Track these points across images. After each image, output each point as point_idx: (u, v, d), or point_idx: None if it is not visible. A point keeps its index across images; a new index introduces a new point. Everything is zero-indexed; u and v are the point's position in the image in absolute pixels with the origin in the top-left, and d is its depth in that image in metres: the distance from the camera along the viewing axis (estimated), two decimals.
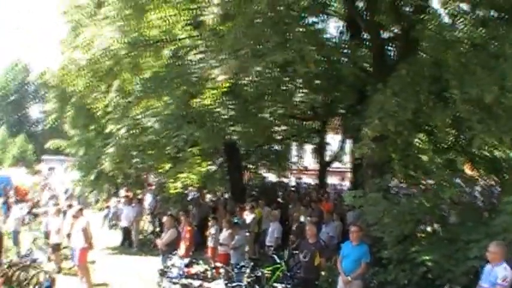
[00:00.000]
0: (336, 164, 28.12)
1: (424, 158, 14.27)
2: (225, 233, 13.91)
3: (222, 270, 11.89)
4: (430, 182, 12.77)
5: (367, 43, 14.84)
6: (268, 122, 17.83)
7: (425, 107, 11.93)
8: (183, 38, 15.38)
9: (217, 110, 15.89)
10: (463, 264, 9.97)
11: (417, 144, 14.90)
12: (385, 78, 11.79)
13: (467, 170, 15.55)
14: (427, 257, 10.59)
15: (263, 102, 16.88)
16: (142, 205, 23.04)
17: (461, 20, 12.17)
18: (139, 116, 15.38)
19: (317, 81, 16.21)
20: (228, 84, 14.57)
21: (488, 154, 14.84)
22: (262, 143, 23.73)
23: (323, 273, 11.81)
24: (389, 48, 14.70)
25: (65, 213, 18.08)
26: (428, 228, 12.69)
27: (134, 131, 15.48)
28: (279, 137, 23.60)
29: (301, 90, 17.17)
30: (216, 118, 15.73)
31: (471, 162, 15.28)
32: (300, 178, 34.95)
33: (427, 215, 11.75)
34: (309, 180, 33.45)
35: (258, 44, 11.40)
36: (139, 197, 23.75)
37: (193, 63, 14.37)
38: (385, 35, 14.77)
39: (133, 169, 18.20)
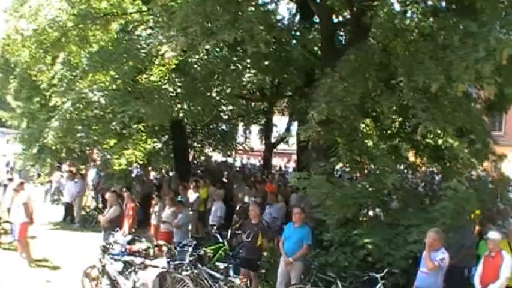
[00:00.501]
0: (282, 146, 28.27)
1: (369, 143, 14.46)
2: (168, 211, 13.80)
3: (164, 248, 11.80)
4: (374, 167, 12.98)
5: (318, 27, 14.87)
6: (216, 101, 17.75)
7: (372, 93, 12.07)
8: (132, 13, 15.10)
9: (165, 87, 15.71)
10: (403, 248, 10.23)
11: (363, 129, 15.08)
12: (334, 62, 11.84)
13: (411, 157, 15.86)
14: (368, 240, 10.80)
15: (211, 81, 16.77)
16: (86, 181, 22.64)
17: (412, 8, 12.32)
18: (85, 90, 15.05)
19: (266, 62, 16.19)
20: (176, 62, 14.39)
21: (431, 142, 15.16)
22: (209, 122, 23.64)
23: (265, 253, 11.90)
24: (339, 33, 14.78)
25: (5, 186, 17.61)
26: (370, 213, 12.93)
27: (79, 105, 15.16)
28: (226, 117, 23.54)
29: (249, 71, 17.11)
30: (163, 95, 15.53)
31: (415, 150, 15.58)
32: (245, 159, 35.02)
33: (369, 199, 11.96)
34: (254, 161, 33.56)
35: (208, 21, 11.27)
36: (83, 172, 23.31)
37: (142, 38, 14.13)
38: (336, 19, 14.84)
39: (78, 144, 17.81)
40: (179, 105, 16.20)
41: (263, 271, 12.10)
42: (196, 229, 16.55)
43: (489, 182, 13.43)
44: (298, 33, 14.92)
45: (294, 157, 25.59)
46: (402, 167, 14.33)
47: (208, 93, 16.91)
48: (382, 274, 9.92)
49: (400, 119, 14.55)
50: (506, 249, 9.41)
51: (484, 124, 15.76)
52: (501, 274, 8.81)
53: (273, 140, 26.51)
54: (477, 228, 12.16)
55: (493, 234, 9.27)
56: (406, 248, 10.16)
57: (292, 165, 29.38)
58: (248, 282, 10.50)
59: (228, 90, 17.40)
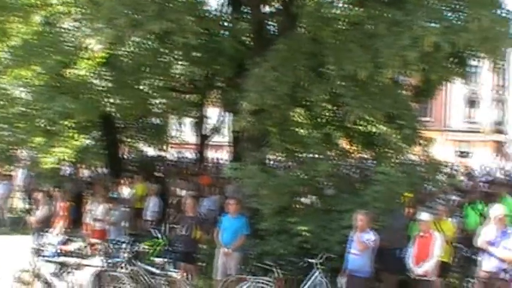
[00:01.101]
0: (216, 138, 28.18)
1: (302, 132, 14.60)
2: (101, 208, 13.52)
3: (99, 247, 11.57)
4: (307, 155, 13.12)
5: (248, 17, 14.84)
6: (146, 94, 17.43)
7: (303, 82, 12.16)
8: (56, 4, 14.60)
9: (93, 81, 15.30)
10: (338, 233, 10.41)
11: (295, 118, 15.18)
12: (265, 52, 11.87)
13: (344, 144, 16.11)
14: (304, 228, 10.94)
15: (141, 74, 16.44)
16: (13, 182, 21.88)
17: None
18: (8, 86, 14.52)
19: (196, 54, 16.04)
20: (104, 55, 14.05)
21: (363, 129, 15.44)
22: (140, 116, 23.21)
23: (203, 246, 11.85)
24: (269, 22, 14.79)
25: None
26: (305, 200, 13.06)
27: (2, 102, 14.61)
28: (157, 110, 23.17)
29: (180, 63, 16.92)
30: (91, 90, 15.13)
31: (347, 137, 15.83)
32: (179, 152, 34.73)
33: (303, 187, 12.09)
34: (188, 154, 33.34)
35: (135, 13, 11.06)
36: (10, 173, 22.49)
37: (67, 31, 13.70)
38: (266, 9, 14.85)
39: (2, 143, 17.16)
40: (108, 100, 15.83)
41: (202, 264, 12.04)
42: (135, 226, 16.29)
43: (419, 166, 13.81)
44: (228, 24, 14.84)
45: (228, 149, 25.55)
46: (335, 154, 14.51)
47: (138, 87, 16.58)
48: (318, 259, 10.08)
49: (331, 107, 14.72)
50: (436, 228, 9.81)
51: (412, 110, 16.21)
52: (433, 252, 9.28)
53: (206, 133, 26.37)
54: (408, 210, 12.50)
55: (424, 216, 9.66)
56: (340, 233, 10.36)
57: (226, 156, 29.34)
58: (187, 275, 10.48)
59: (159, 83, 17.14)
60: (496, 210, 9.28)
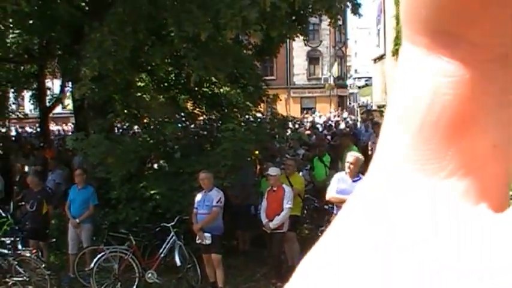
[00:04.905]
0: (58, 110, 27.10)
1: (147, 97, 14.45)
2: None
3: None
4: (153, 119, 13.05)
5: None
6: None
7: (144, 46, 11.99)
8: None
9: None
10: (190, 194, 10.48)
11: (139, 83, 14.98)
12: (102, 16, 11.51)
13: (190, 107, 16.18)
14: (155, 191, 10.92)
15: None
16: None
17: None
18: None
19: (31, 21, 15.20)
20: None
21: (208, 91, 15.57)
22: None
23: (52, 221, 11.51)
24: None
25: None
26: (155, 165, 13.03)
27: None
28: None
29: (13, 31, 15.93)
30: None
31: (193, 99, 15.90)
32: (21, 127, 33.06)
33: (151, 151, 12.03)
34: (30, 128, 31.85)
35: None
36: None
37: None
38: None
39: None
40: None
41: (53, 240, 11.71)
42: None
43: (266, 123, 14.21)
44: None
45: (72, 120, 24.69)
46: (181, 117, 14.55)
47: None
48: (173, 223, 10.12)
49: (174, 70, 14.69)
50: (285, 182, 10.08)
51: (255, 69, 16.58)
52: (284, 205, 9.48)
53: (48, 104, 25.21)
54: (258, 167, 12.89)
55: (273, 170, 9.92)
56: (192, 195, 10.44)
57: (70, 128, 28.35)
58: (39, 252, 10.15)
59: None
60: (350, 157, 8.86)
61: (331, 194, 8.61)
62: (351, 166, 8.44)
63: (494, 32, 0.29)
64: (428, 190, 0.31)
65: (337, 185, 8.57)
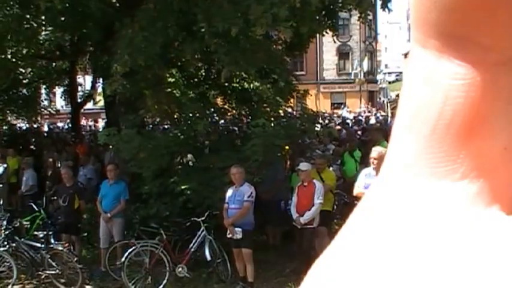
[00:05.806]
0: (89, 106, 27.41)
1: (177, 92, 14.50)
2: None
3: None
4: (184, 115, 13.09)
5: None
6: (12, 63, 16.57)
7: (174, 41, 12.04)
8: None
9: None
10: (220, 190, 10.48)
11: (169, 78, 15.05)
12: (133, 12, 11.59)
13: (220, 103, 16.21)
14: (186, 187, 10.95)
15: (5, 42, 15.59)
16: None
17: None
18: None
19: (62, 18, 15.38)
20: None
21: (238, 86, 15.58)
22: (8, 88, 22.03)
23: (84, 216, 11.64)
24: None
25: None
26: (185, 160, 13.07)
27: None
28: (26, 80, 22.11)
29: (46, 28, 16.15)
30: None
31: (223, 95, 15.92)
32: (53, 123, 33.50)
33: (182, 147, 12.07)
34: (62, 124, 32.26)
35: None
36: None
37: None
38: None
39: None
40: None
41: (85, 234, 11.87)
42: (10, 202, 15.61)
43: (295, 118, 14.15)
44: None
45: (103, 115, 24.93)
46: (211, 112, 14.57)
47: (3, 56, 15.71)
48: (203, 218, 10.14)
49: (204, 65, 14.72)
50: (316, 178, 10.02)
51: (285, 64, 16.52)
52: (315, 200, 9.43)
53: (79, 100, 25.50)
54: (288, 162, 12.84)
55: (304, 166, 9.87)
56: (223, 189, 10.45)
57: (102, 124, 28.63)
58: (71, 246, 10.28)
59: (25, 51, 16.31)
60: (373, 152, 8.76)
61: (358, 189, 8.58)
62: (375, 161, 8.38)
63: (505, 35, 0.29)
64: (440, 193, 0.31)
65: (365, 180, 8.54)
